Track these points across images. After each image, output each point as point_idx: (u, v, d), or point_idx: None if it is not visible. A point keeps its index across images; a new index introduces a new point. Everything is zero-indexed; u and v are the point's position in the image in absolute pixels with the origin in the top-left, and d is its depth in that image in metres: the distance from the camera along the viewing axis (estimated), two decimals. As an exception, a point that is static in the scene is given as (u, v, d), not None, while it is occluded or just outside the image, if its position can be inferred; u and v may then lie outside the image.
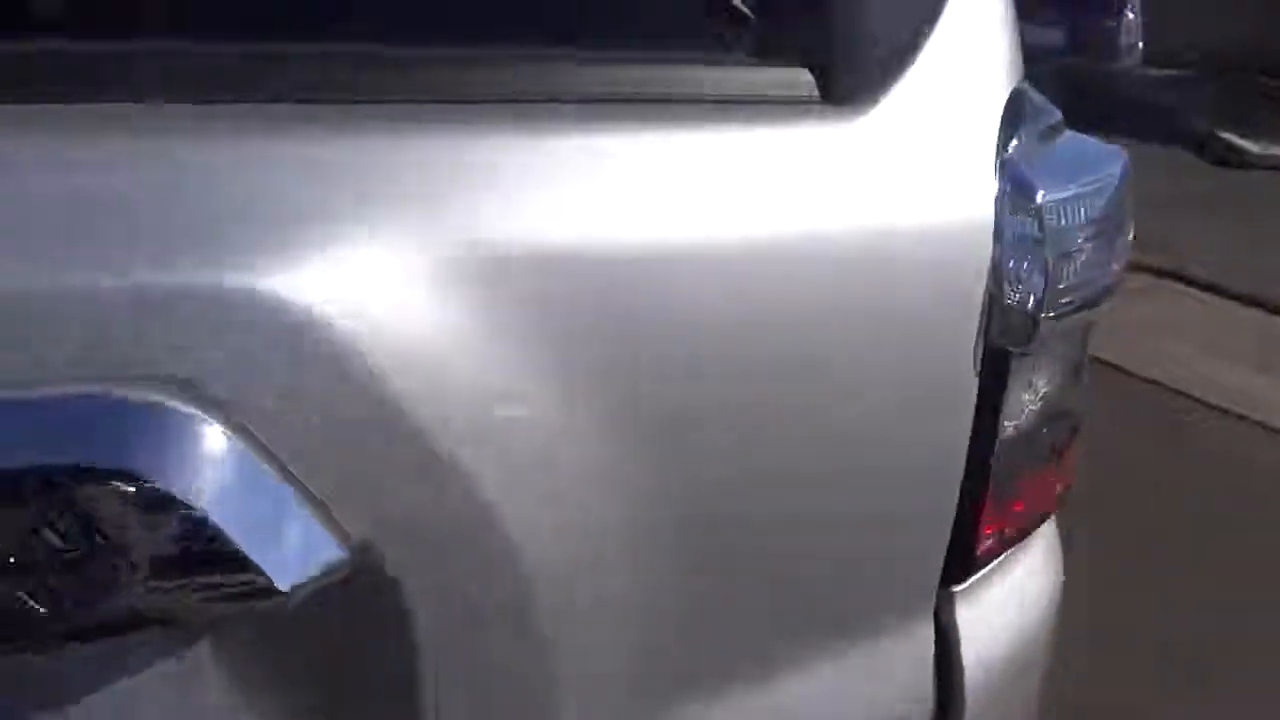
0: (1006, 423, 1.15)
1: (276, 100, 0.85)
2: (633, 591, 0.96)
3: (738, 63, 1.04)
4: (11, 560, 0.75)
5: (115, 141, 0.80)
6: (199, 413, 0.79)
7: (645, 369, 0.94)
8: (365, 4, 0.99)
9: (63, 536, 0.75)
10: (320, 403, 0.83)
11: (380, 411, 0.84)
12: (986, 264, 1.07)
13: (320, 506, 0.83)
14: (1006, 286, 1.08)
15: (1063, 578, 1.33)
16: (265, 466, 0.82)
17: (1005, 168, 1.08)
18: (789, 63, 1.02)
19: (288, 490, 0.82)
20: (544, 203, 0.91)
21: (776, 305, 0.99)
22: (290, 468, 0.83)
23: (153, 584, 0.78)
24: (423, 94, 0.91)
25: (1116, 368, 4.19)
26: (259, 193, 0.82)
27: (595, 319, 0.92)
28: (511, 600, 0.90)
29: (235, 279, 0.80)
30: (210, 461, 0.80)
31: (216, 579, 0.80)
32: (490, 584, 0.89)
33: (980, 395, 1.11)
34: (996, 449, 1.14)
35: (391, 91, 0.90)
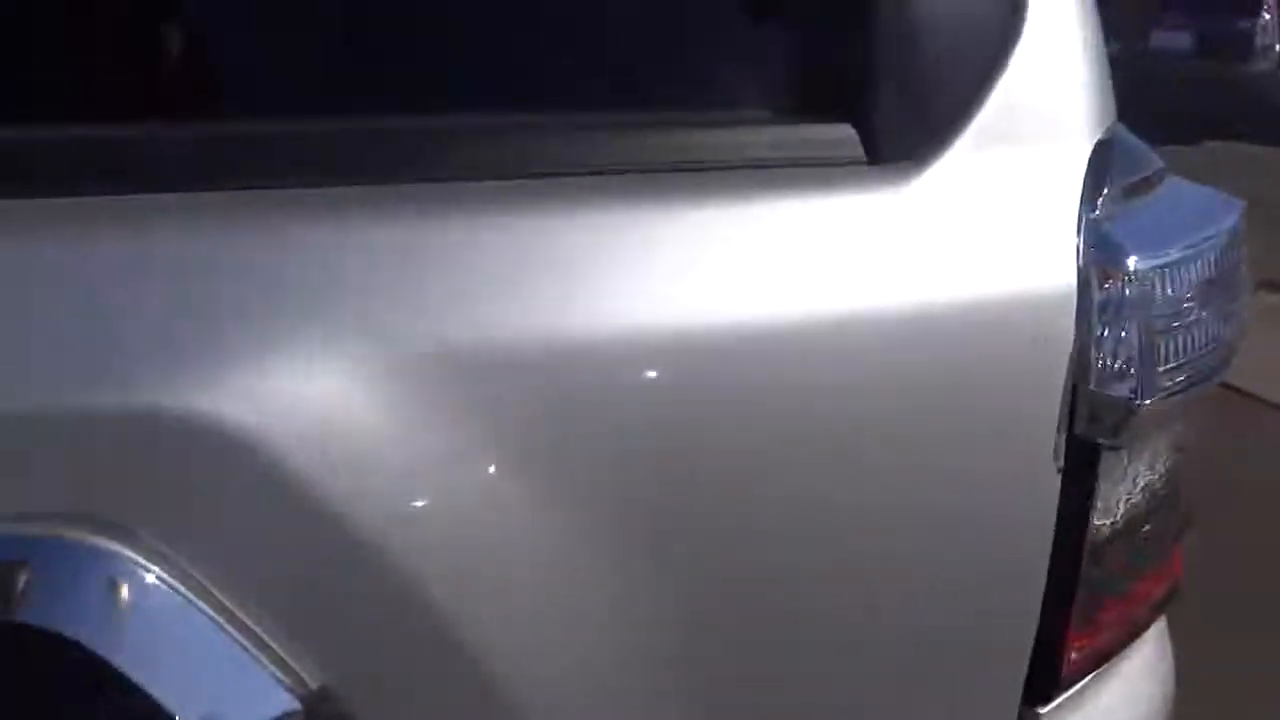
0: (1097, 522, 0.99)
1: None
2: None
3: (770, 120, 0.90)
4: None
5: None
6: (126, 552, 0.69)
7: (669, 473, 0.82)
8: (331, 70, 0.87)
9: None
10: (272, 538, 0.72)
11: (343, 546, 0.73)
12: (1068, 343, 0.91)
13: (270, 652, 0.73)
14: (1094, 369, 0.93)
15: (1172, 687, 1.16)
16: (202, 612, 0.71)
17: (1090, 230, 0.93)
18: (829, 118, 0.89)
19: (230, 637, 0.72)
20: (540, 292, 0.79)
21: (820, 396, 0.86)
22: (237, 610, 0.72)
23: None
24: (404, 171, 0.80)
25: (1250, 395, 3.91)
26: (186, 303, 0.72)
27: (604, 420, 0.80)
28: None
29: (168, 400, 0.70)
30: (136, 610, 0.70)
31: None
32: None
33: (1065, 493, 0.95)
34: (1085, 553, 0.98)
35: (364, 172, 0.79)
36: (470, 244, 0.78)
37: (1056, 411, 0.92)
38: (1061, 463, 0.94)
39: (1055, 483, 0.94)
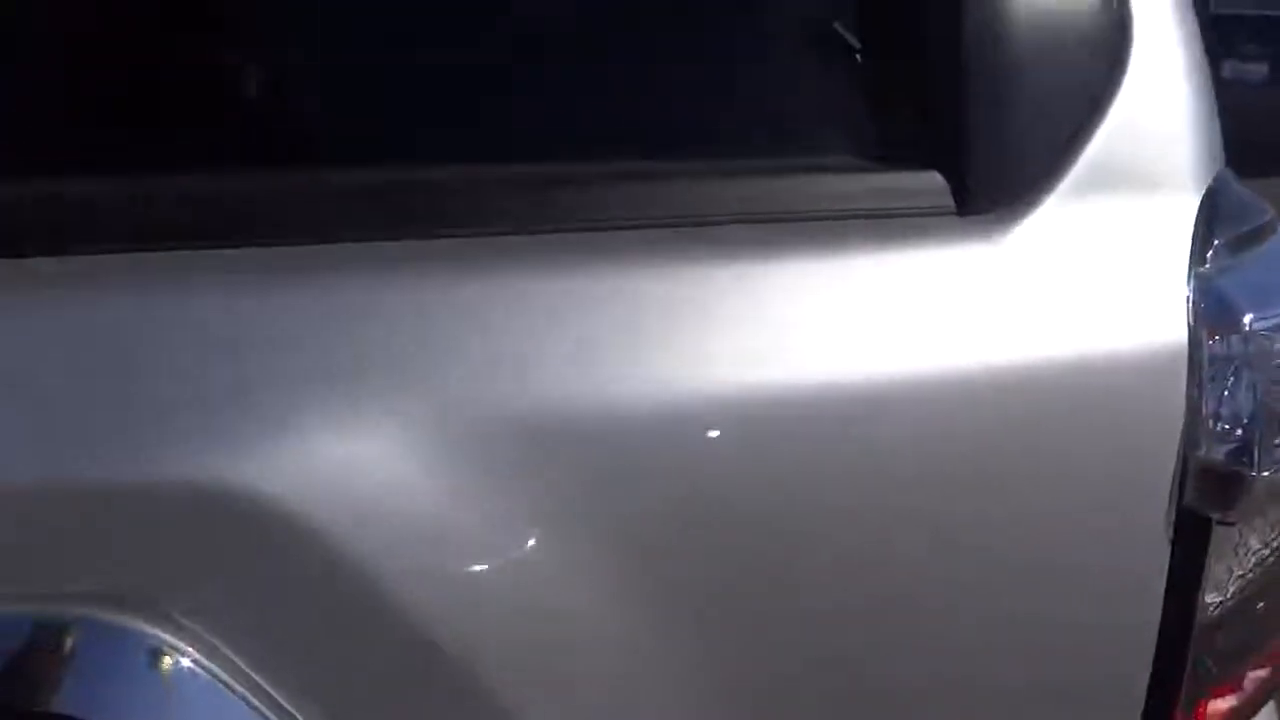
0: (1208, 599, 0.91)
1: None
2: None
3: (857, 168, 0.84)
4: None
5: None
6: (149, 631, 0.64)
7: (742, 537, 0.76)
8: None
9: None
10: (297, 607, 0.67)
11: (386, 625, 0.68)
12: (1178, 407, 0.84)
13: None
14: (1205, 436, 0.85)
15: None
16: (236, 693, 0.66)
17: (1200, 285, 0.85)
18: (918, 166, 0.82)
19: (258, 711, 0.67)
20: (622, 352, 0.73)
21: (905, 454, 0.79)
22: (271, 689, 0.67)
23: None
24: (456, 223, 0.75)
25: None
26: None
27: (681, 483, 0.74)
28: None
29: (201, 474, 0.65)
30: (168, 694, 0.65)
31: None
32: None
33: (1173, 569, 0.88)
34: (1194, 633, 0.90)
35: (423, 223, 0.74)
36: (550, 298, 0.73)
37: (1163, 481, 0.85)
38: (1170, 535, 0.86)
39: (1163, 558, 0.87)
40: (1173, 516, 0.86)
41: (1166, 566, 0.87)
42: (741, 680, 0.78)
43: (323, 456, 0.66)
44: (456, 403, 0.70)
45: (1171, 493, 0.85)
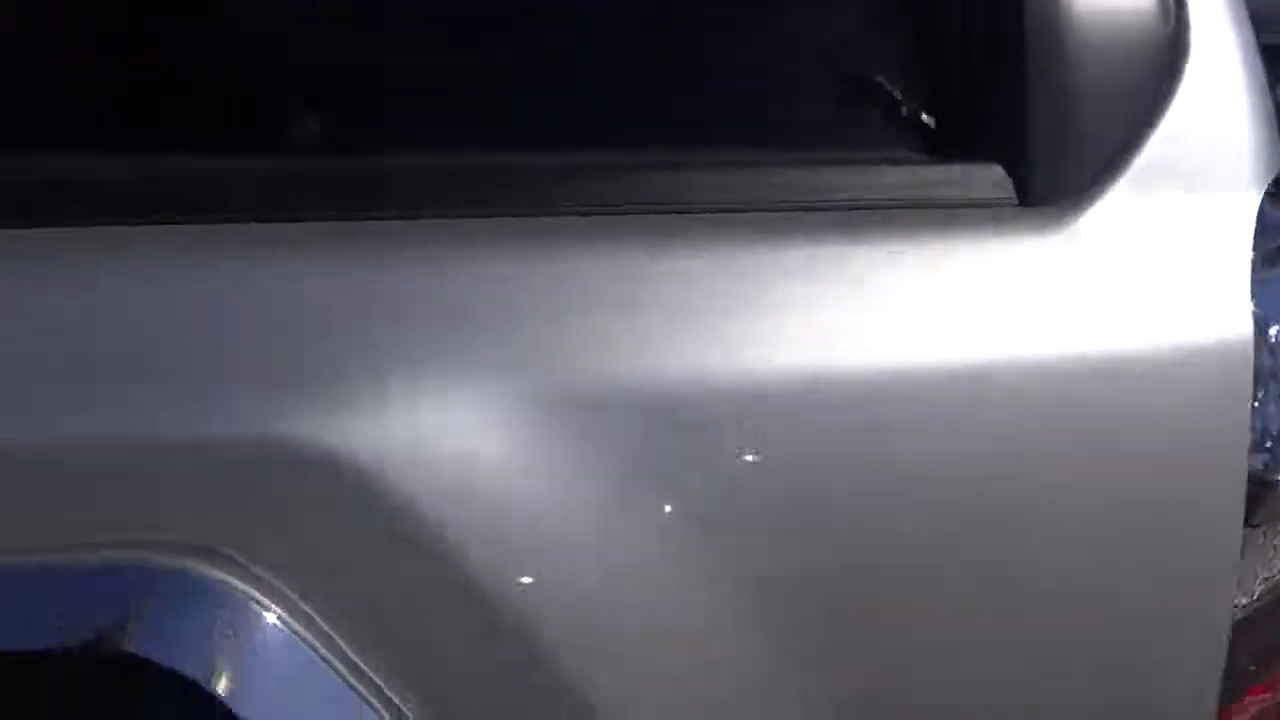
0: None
1: None
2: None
3: (919, 160, 0.86)
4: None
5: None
6: (232, 582, 0.62)
7: (823, 528, 0.75)
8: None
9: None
10: (380, 567, 0.66)
11: (450, 576, 0.67)
12: (1244, 404, 0.84)
13: (371, 683, 0.67)
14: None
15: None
16: (313, 649, 0.65)
17: (1260, 285, 0.86)
18: (979, 158, 0.83)
19: (340, 676, 0.66)
20: (687, 329, 0.73)
21: (963, 442, 0.79)
22: (348, 648, 0.66)
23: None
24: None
25: None
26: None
27: (766, 466, 0.73)
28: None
29: (282, 429, 0.63)
30: (246, 645, 0.63)
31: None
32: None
33: None
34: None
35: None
36: (637, 278, 0.74)
37: (1234, 480, 0.85)
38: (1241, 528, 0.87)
39: (1236, 541, 0.87)
40: (1242, 513, 0.86)
41: (1238, 554, 0.87)
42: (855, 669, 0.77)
43: (424, 423, 0.66)
44: (567, 375, 0.69)
45: (1241, 490, 0.85)
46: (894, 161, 0.85)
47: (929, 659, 0.79)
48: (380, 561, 0.66)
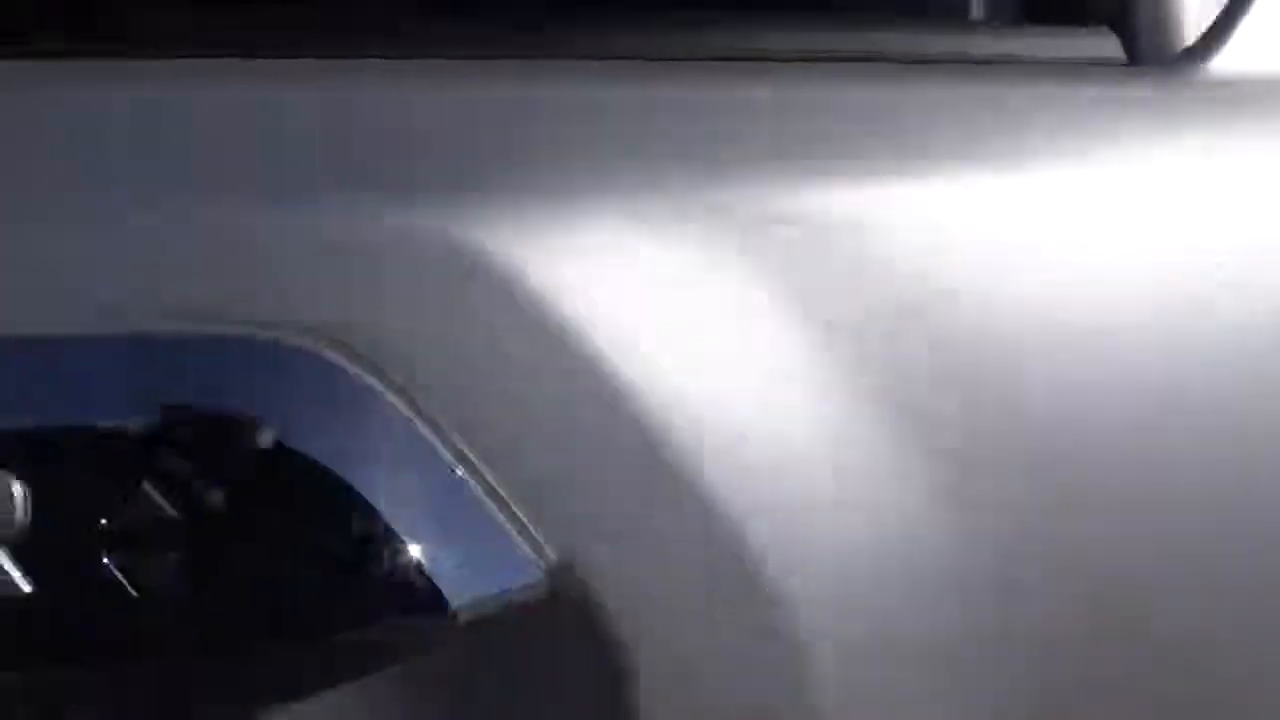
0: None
1: None
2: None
3: (1020, 22, 0.88)
4: (118, 532, 0.60)
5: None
6: (368, 377, 0.64)
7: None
8: None
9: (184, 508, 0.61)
10: (527, 387, 0.67)
11: (605, 404, 0.68)
12: None
13: (512, 513, 0.67)
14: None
15: None
16: (448, 457, 0.66)
17: None
18: (1091, 22, 0.85)
19: (473, 489, 0.66)
20: (837, 168, 0.75)
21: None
22: (479, 462, 0.66)
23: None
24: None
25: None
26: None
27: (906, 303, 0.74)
28: (752, 635, 0.70)
29: (427, 219, 0.66)
30: (383, 441, 0.65)
31: (374, 590, 0.64)
32: (728, 622, 0.70)
33: None
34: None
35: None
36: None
37: None
38: None
39: None
40: None
41: None
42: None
43: (591, 236, 0.67)
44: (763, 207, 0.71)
45: None
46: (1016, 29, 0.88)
47: None
48: (535, 381, 0.67)
